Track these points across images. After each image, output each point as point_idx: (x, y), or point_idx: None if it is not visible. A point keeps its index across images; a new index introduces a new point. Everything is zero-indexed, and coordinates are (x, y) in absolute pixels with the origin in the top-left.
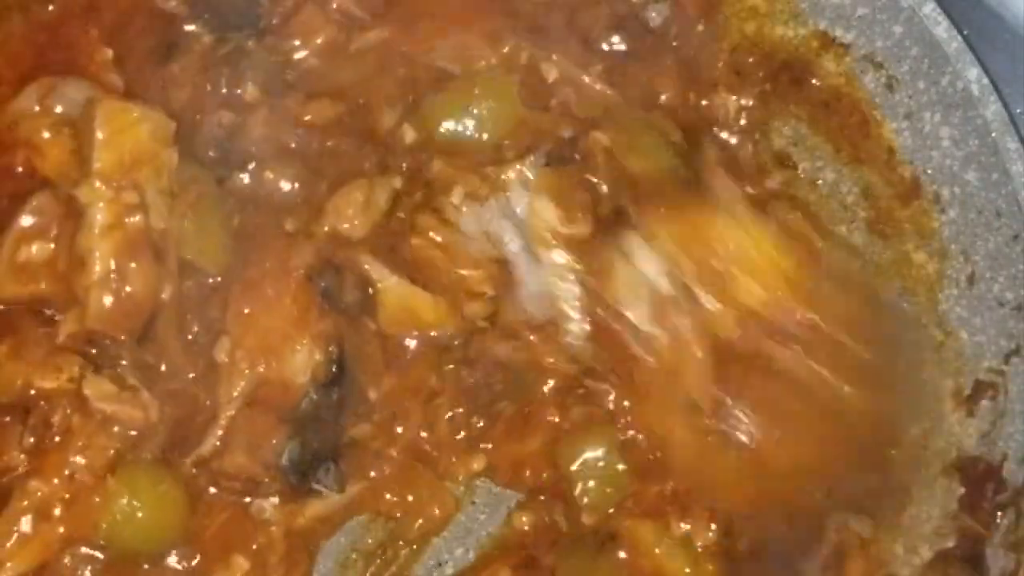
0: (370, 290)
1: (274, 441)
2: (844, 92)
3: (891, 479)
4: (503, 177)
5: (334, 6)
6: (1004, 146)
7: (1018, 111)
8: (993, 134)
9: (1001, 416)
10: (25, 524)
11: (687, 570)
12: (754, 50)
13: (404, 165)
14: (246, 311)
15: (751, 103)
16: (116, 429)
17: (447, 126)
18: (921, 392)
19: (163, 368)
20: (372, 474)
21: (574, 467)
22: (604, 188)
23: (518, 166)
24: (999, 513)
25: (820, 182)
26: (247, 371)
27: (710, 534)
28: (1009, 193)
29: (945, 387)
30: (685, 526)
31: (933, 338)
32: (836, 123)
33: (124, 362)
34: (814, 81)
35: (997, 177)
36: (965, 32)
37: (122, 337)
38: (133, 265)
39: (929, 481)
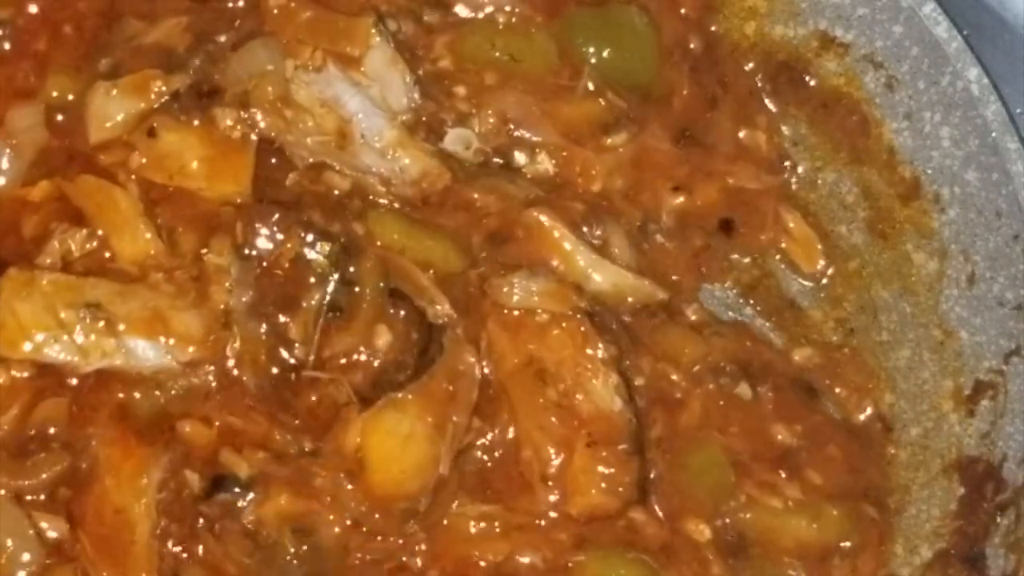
0: None
1: (626, 476)
2: (844, 92)
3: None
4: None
5: None
6: (1004, 146)
7: (1018, 111)
8: (993, 134)
9: (1001, 416)
10: None
11: (814, 525)
12: (754, 50)
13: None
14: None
15: None
16: None
17: None
18: (920, 393)
19: None
20: None
21: None
22: None
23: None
24: (999, 513)
25: (820, 182)
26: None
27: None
28: (1009, 193)
29: (945, 387)
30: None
31: (933, 338)
32: (836, 123)
33: None
34: (813, 81)
35: (997, 177)
36: (965, 32)
37: None
38: None
39: (929, 481)
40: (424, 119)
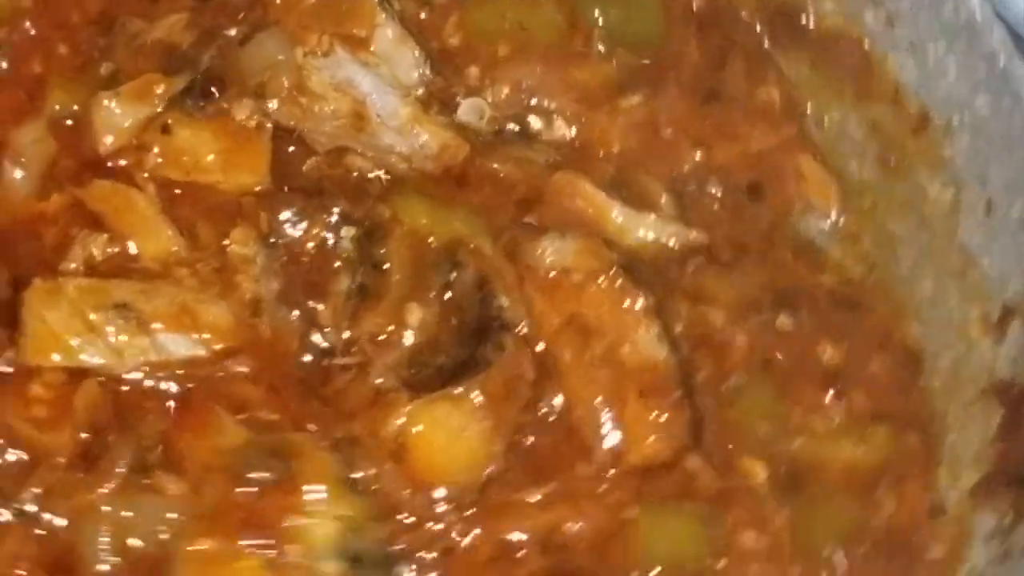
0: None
1: (680, 422)
2: (843, 32)
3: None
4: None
5: None
6: (1013, 71)
7: None
8: (1001, 60)
9: None
10: None
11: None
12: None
13: None
14: None
15: None
16: None
17: None
18: (948, 321)
19: None
20: None
21: None
22: None
23: None
24: None
25: (827, 122)
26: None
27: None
28: (1022, 117)
29: (972, 314)
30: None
31: (954, 267)
32: (838, 63)
33: None
34: (811, 24)
35: (1008, 103)
36: None
37: None
38: None
39: (966, 407)
40: (436, 94)
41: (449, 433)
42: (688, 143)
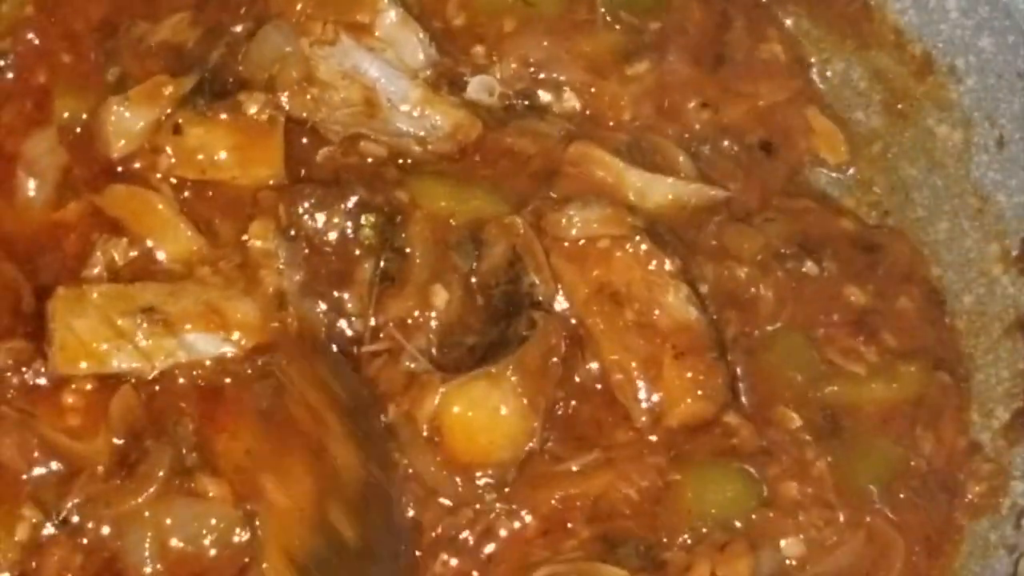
0: None
1: (718, 379)
2: None
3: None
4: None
5: None
6: (1017, 7)
7: None
8: None
9: None
10: None
11: (894, 385)
12: None
13: None
14: None
15: None
16: None
17: None
18: (967, 261)
19: None
20: None
21: None
22: None
23: None
24: None
25: (829, 73)
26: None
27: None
28: None
29: (991, 252)
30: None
31: (970, 206)
32: (837, 12)
33: None
34: None
35: (1014, 39)
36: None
37: None
38: None
39: (992, 345)
40: (444, 74)
41: (487, 412)
42: (697, 104)
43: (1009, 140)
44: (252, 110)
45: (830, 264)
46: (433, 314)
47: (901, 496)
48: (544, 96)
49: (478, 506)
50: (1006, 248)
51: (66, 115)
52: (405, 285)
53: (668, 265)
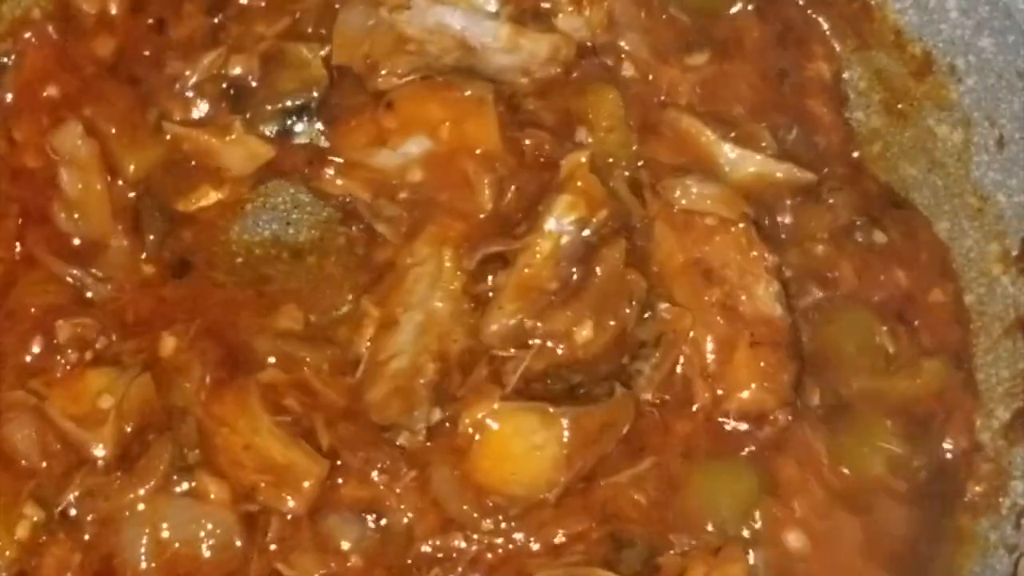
0: None
1: (785, 376)
2: None
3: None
4: None
5: None
6: (1017, 7)
7: None
8: None
9: None
10: None
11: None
12: None
13: None
14: None
15: None
16: None
17: None
18: (967, 260)
19: None
20: None
21: None
22: None
23: None
24: None
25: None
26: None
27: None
28: None
29: (991, 252)
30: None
31: (970, 206)
32: (836, 13)
33: None
34: None
35: (1014, 39)
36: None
37: None
38: None
39: (993, 345)
40: (525, 10)
41: (525, 445)
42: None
43: (1009, 140)
44: (393, 82)
45: (893, 232)
46: (564, 345)
47: (903, 491)
48: (607, 61)
49: (473, 534)
50: (1006, 248)
51: (132, 168)
52: (576, 300)
53: (767, 259)
